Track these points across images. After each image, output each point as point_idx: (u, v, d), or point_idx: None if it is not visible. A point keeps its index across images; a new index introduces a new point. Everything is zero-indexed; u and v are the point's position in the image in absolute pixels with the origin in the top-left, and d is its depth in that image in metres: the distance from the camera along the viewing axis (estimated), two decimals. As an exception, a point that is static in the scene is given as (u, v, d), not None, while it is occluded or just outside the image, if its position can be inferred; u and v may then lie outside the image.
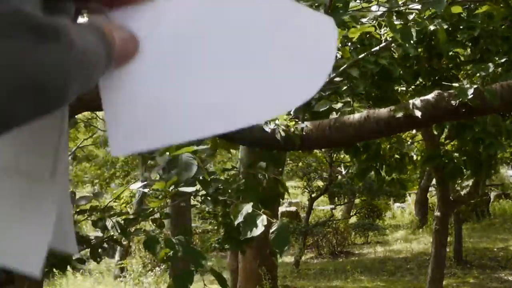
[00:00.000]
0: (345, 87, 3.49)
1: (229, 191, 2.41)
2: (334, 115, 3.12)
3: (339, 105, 3.16)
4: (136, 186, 2.45)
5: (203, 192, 2.38)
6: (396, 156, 4.49)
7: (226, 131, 0.42)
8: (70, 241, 0.55)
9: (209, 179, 2.37)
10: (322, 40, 0.44)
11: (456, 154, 4.87)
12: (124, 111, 0.45)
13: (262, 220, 2.17)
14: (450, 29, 3.79)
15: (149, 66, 0.44)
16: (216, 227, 2.57)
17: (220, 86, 0.43)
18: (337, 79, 3.39)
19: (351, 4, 3.11)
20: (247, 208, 2.20)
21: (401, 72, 3.67)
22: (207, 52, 0.44)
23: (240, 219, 2.17)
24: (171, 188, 2.33)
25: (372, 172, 4.46)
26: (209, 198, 2.37)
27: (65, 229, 0.54)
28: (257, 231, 2.16)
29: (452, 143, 5.34)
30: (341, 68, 3.40)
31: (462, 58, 4.41)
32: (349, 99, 3.25)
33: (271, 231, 2.17)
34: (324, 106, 3.19)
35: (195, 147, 2.26)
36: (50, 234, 0.45)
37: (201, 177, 2.39)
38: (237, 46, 0.44)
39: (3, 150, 0.42)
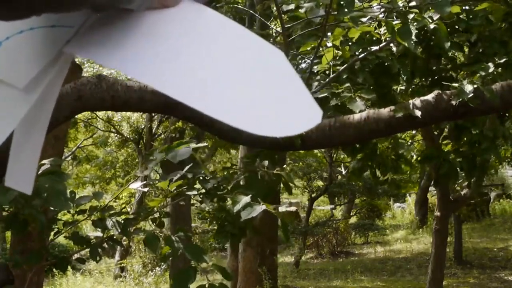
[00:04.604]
0: (345, 76, 3.49)
1: (228, 187, 2.42)
2: (334, 101, 3.12)
3: (339, 91, 3.16)
4: (135, 185, 2.45)
5: (203, 190, 2.38)
6: (392, 156, 4.49)
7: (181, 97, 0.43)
8: (28, 181, 0.54)
9: (208, 178, 2.37)
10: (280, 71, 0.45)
11: (452, 155, 4.88)
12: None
13: (261, 207, 2.17)
14: (448, 30, 3.79)
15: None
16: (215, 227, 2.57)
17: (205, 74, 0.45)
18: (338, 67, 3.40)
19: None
20: (246, 199, 2.20)
21: (400, 69, 3.67)
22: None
23: (238, 207, 2.16)
24: (173, 189, 2.33)
25: (369, 171, 4.46)
26: (207, 195, 2.37)
27: (25, 168, 0.54)
28: (255, 212, 2.15)
29: (450, 144, 5.36)
30: (343, 67, 3.39)
31: (462, 59, 4.41)
32: (349, 85, 3.24)
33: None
34: (324, 93, 3.19)
35: (193, 145, 2.27)
36: None
37: (201, 177, 2.40)
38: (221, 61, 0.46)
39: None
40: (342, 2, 2.71)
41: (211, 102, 0.42)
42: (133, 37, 0.46)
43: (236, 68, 0.45)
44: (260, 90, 0.44)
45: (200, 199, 2.42)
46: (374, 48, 3.43)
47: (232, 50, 0.46)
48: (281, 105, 0.43)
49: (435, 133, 5.85)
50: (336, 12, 2.87)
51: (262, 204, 2.20)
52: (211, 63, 0.45)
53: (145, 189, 2.44)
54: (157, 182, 2.40)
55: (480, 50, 3.95)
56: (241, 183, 2.48)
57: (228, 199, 2.39)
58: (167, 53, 0.45)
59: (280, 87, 0.44)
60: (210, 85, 0.43)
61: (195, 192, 2.37)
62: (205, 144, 2.53)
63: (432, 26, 3.11)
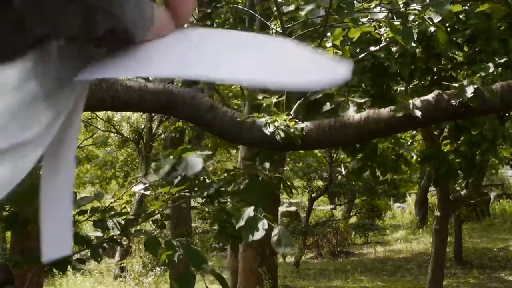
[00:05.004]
0: None
1: (229, 191, 2.41)
2: (328, 106, 3.12)
3: (332, 92, 3.17)
4: (138, 188, 2.45)
5: (204, 193, 2.38)
6: (392, 156, 4.50)
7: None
8: (66, 238, 0.48)
9: (210, 181, 2.37)
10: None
11: (451, 156, 4.89)
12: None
13: (263, 224, 2.17)
14: (448, 30, 3.79)
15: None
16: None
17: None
18: None
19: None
20: (249, 212, 2.20)
21: (398, 70, 3.67)
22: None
23: (241, 223, 2.16)
24: (176, 193, 2.33)
25: (369, 171, 4.47)
26: (209, 200, 2.37)
27: (60, 226, 0.48)
28: (258, 235, 2.16)
29: (450, 144, 5.37)
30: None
31: (461, 59, 4.40)
32: (342, 89, 3.25)
33: (272, 234, 2.17)
34: (318, 94, 3.20)
35: (198, 152, 2.26)
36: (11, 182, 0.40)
37: (202, 178, 2.39)
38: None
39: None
40: (342, 4, 2.71)
41: (246, 71, 0.43)
42: (138, 58, 0.45)
43: (252, 50, 0.45)
44: (282, 57, 0.45)
45: (202, 202, 2.42)
46: (373, 48, 3.42)
47: (242, 41, 0.47)
48: (308, 62, 0.44)
49: (435, 133, 5.85)
50: (336, 14, 2.87)
51: (263, 215, 2.20)
52: (227, 51, 0.45)
53: (147, 192, 2.44)
54: (157, 183, 2.40)
55: (478, 48, 3.95)
56: (242, 186, 2.48)
57: (229, 200, 2.39)
58: (180, 52, 0.45)
59: (300, 55, 0.45)
60: (236, 61, 0.43)
61: (197, 196, 2.37)
62: (209, 152, 2.54)
63: (432, 29, 3.11)
